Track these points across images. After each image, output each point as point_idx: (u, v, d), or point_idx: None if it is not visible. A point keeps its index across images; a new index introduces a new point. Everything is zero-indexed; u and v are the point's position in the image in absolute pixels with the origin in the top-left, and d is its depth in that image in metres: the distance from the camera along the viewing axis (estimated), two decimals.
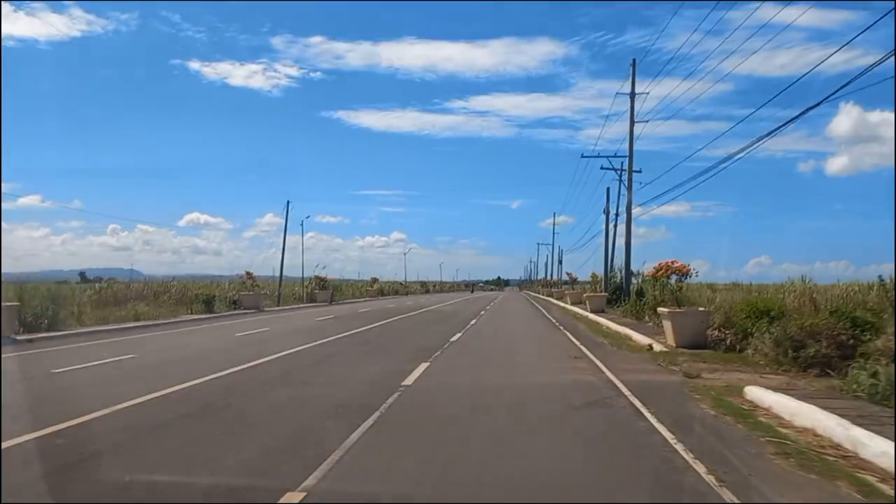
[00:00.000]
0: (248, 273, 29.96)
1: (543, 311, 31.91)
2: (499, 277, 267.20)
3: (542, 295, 69.60)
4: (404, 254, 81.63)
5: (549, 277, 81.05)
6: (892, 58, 8.55)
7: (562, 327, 20.20)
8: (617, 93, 28.80)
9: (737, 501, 3.98)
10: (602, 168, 31.96)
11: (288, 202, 37.47)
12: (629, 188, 28.93)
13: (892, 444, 4.65)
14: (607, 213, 29.81)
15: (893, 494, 4.10)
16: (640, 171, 30.71)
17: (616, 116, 32.09)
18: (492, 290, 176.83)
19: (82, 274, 44.57)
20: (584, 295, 28.24)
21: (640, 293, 25.08)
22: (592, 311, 26.09)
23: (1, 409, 6.31)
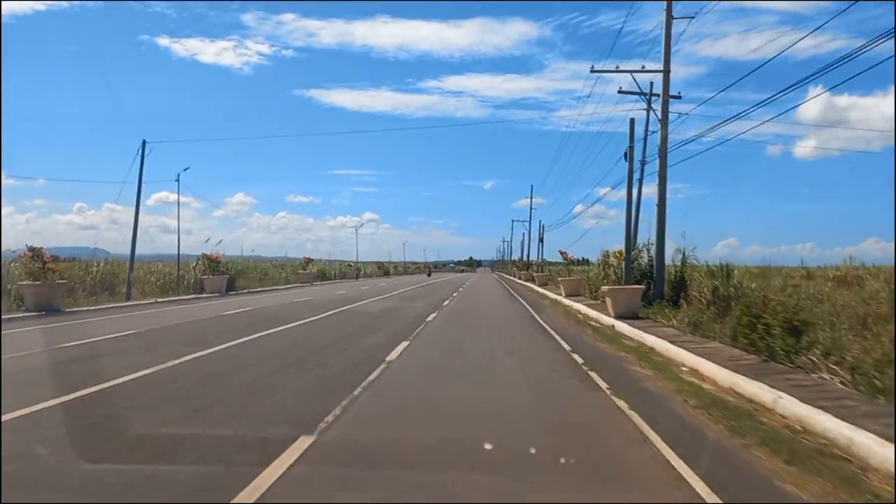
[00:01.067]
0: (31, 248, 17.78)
1: (532, 312, 20.75)
2: (471, 258, 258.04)
3: (519, 279, 58.74)
4: (356, 228, 69.22)
5: (525, 258, 70.65)
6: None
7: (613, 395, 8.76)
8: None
9: None
10: (620, 92, 20.94)
11: (144, 141, 25.33)
12: (664, 121, 17.78)
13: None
14: (630, 156, 18.71)
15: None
16: (679, 97, 19.88)
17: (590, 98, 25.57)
18: (462, 270, 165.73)
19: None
20: (605, 288, 17.01)
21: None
22: (617, 316, 15.00)
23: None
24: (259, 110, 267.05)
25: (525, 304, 24.21)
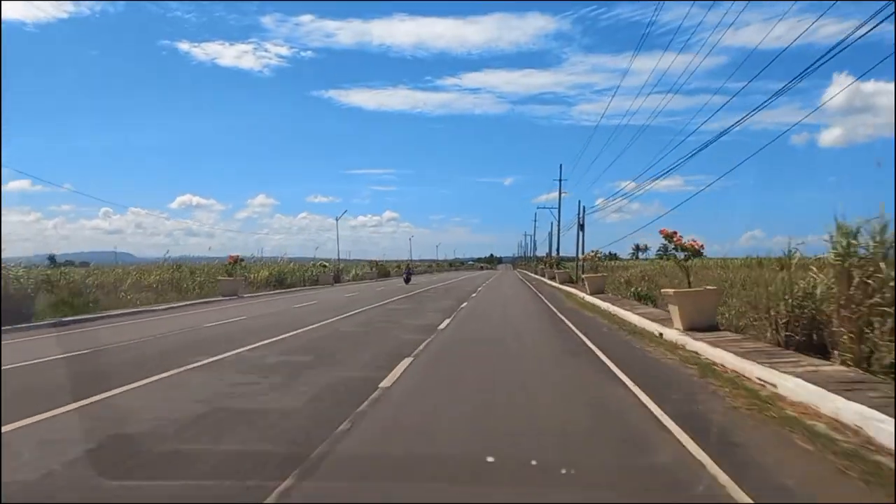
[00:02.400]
0: None
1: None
2: (491, 255, 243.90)
3: (550, 280, 44.19)
4: (337, 219, 55.24)
5: (555, 253, 56.36)
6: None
7: None
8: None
9: None
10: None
11: None
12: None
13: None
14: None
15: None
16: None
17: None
18: (481, 268, 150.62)
19: (52, 258, 38.85)
20: None
21: None
22: None
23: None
24: (278, 112, 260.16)
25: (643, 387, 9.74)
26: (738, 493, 3.76)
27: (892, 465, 4.22)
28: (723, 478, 4.02)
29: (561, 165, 56.10)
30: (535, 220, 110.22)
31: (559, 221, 51.72)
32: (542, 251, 79.79)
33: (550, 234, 61.17)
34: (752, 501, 3.63)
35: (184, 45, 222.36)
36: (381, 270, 62.57)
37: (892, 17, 8.52)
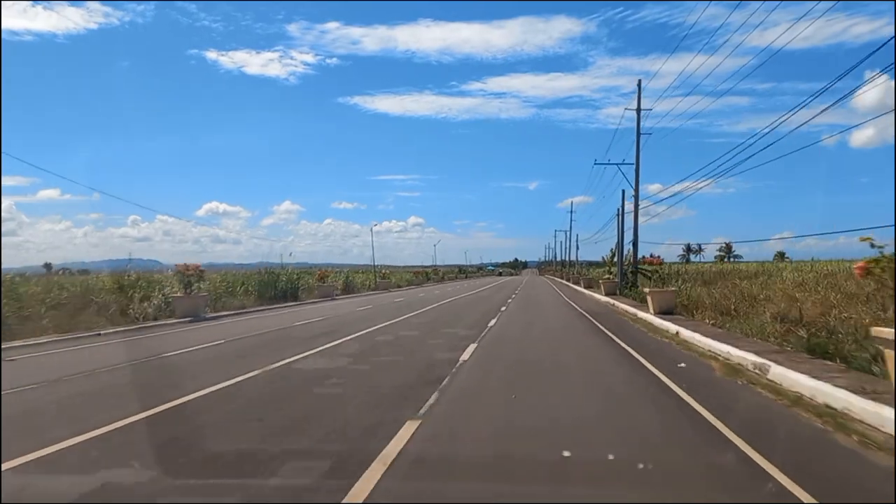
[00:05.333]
0: None
1: None
2: (516, 259, 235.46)
3: (600, 293, 36.32)
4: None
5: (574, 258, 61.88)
6: None
7: None
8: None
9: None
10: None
11: None
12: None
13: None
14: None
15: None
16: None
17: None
18: (500, 274, 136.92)
19: (48, 266, 41.07)
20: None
21: None
22: None
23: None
24: (304, 119, 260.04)
25: None
26: None
27: None
28: None
29: (572, 202, 48.22)
30: (572, 218, 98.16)
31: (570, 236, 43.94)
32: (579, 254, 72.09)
33: (563, 242, 53.27)
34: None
35: (212, 54, 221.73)
36: (384, 281, 51.46)
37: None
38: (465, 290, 45.18)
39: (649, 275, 20.60)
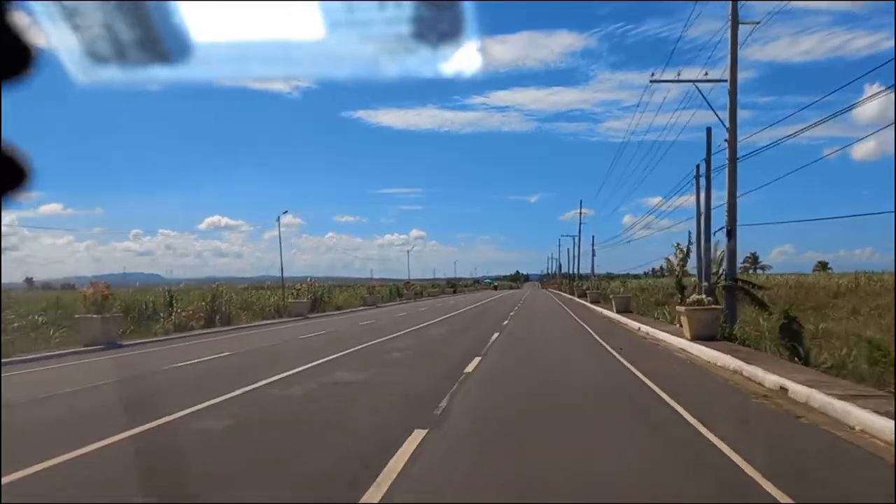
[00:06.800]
0: None
1: None
2: (517, 272, 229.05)
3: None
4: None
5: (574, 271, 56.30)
6: None
7: None
8: None
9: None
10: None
11: None
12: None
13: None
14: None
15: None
16: None
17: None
18: (494, 288, 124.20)
19: (29, 280, 41.50)
20: None
21: None
22: None
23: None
24: (307, 133, 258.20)
25: None
26: None
27: None
28: None
29: (581, 202, 40.60)
30: (581, 229, 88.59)
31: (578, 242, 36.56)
32: (583, 266, 64.17)
33: (570, 250, 46.01)
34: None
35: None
36: (370, 296, 45.38)
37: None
38: (422, 318, 28.21)
39: (758, 295, 13.26)
